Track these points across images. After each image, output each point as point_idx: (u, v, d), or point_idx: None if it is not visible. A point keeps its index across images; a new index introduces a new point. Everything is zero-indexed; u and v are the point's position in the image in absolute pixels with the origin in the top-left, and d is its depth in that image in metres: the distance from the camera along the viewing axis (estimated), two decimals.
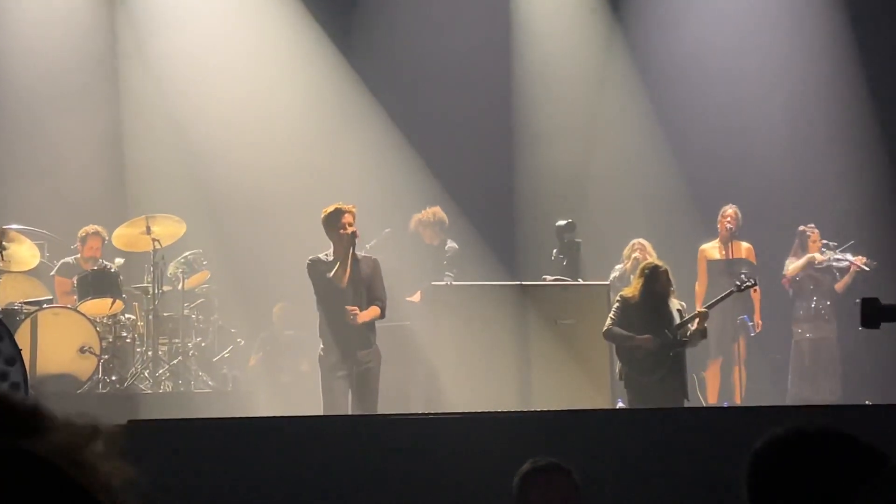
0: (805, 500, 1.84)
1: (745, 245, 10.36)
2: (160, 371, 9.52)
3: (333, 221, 8.03)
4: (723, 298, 8.65)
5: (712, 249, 10.37)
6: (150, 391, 9.31)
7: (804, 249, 10.45)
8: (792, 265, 10.43)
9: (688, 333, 8.16)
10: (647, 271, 8.16)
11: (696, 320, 8.18)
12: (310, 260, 8.16)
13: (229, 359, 10.20)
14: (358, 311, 7.98)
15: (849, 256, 10.34)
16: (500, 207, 11.64)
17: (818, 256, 10.31)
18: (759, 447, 1.95)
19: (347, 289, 8.01)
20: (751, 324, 10.17)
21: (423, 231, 10.08)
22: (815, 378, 10.28)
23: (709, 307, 8.51)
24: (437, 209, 10.16)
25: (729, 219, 10.22)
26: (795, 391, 10.31)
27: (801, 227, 10.51)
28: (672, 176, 11.67)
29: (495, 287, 9.39)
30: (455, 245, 9.88)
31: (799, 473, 1.88)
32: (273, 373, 10.59)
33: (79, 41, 11.25)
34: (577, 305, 9.07)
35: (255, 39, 11.59)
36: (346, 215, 8.01)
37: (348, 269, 8.01)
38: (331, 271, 8.02)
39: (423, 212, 10.15)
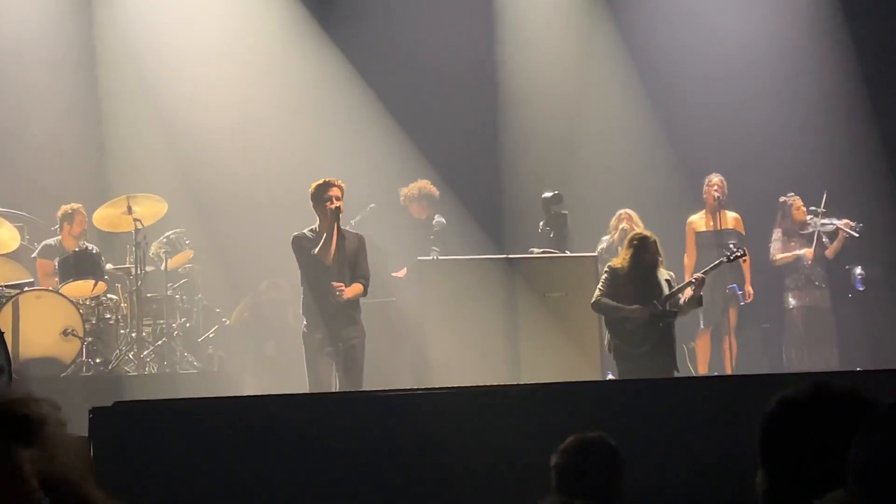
0: (818, 459, 1.81)
1: (732, 215, 10.30)
2: (145, 352, 9.42)
3: (319, 195, 7.96)
4: (713, 268, 8.60)
5: (700, 221, 10.31)
6: (135, 373, 9.22)
7: (788, 219, 10.40)
8: (780, 254, 10.37)
9: (680, 302, 8.11)
10: (635, 242, 8.10)
11: (691, 288, 8.13)
12: (294, 235, 8.10)
13: (214, 339, 10.11)
14: (343, 288, 7.91)
15: (835, 220, 10.30)
16: (486, 180, 11.56)
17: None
18: (772, 408, 1.92)
19: (332, 265, 7.93)
20: (740, 293, 10.12)
21: (409, 205, 10.01)
22: (809, 346, 10.25)
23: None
24: (425, 183, 10.07)
25: (715, 187, 10.16)
26: (790, 360, 10.29)
27: (782, 198, 10.46)
28: (659, 146, 11.60)
29: (482, 261, 9.32)
30: (443, 220, 9.79)
31: (812, 433, 1.85)
32: (257, 344, 10.50)
33: (56, 20, 11.10)
34: (565, 277, 9.01)
35: (235, 16, 11.45)
36: (333, 189, 7.94)
37: (333, 245, 7.93)
38: (315, 247, 7.94)
39: (410, 185, 10.07)
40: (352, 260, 8.06)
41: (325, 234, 7.94)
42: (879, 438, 1.17)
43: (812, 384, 1.94)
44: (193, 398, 6.74)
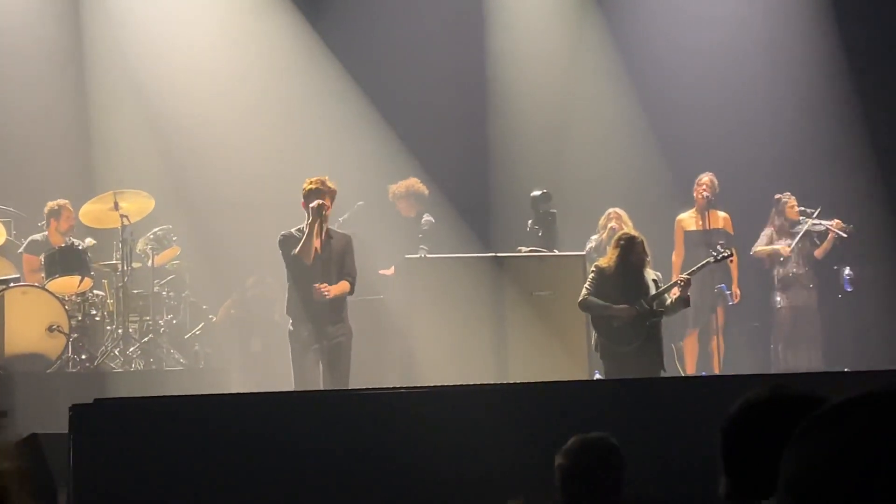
0: (777, 463, 1.78)
1: (722, 215, 10.29)
2: (131, 349, 9.38)
3: (312, 196, 7.89)
4: (699, 269, 8.58)
5: (689, 220, 10.30)
6: (120, 369, 9.18)
7: (781, 217, 10.41)
8: (759, 247, 10.39)
9: (667, 302, 8.09)
10: (622, 241, 8.07)
11: (678, 288, 8.11)
12: (282, 234, 8.07)
13: (201, 336, 10.06)
14: (328, 288, 7.87)
15: (824, 221, 10.30)
16: (475, 178, 11.52)
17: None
18: (734, 412, 1.91)
19: (316, 264, 7.90)
20: (728, 293, 10.12)
21: (398, 203, 9.97)
22: (796, 346, 10.25)
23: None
24: (413, 181, 10.03)
25: (704, 187, 10.16)
26: (778, 360, 10.29)
27: (777, 196, 10.48)
28: (649, 145, 11.58)
29: (470, 259, 9.29)
30: (431, 218, 9.75)
31: (770, 436, 1.83)
32: (243, 340, 10.47)
33: (45, 15, 11.04)
34: (553, 276, 8.98)
35: (224, 13, 11.40)
36: (324, 193, 7.88)
37: (314, 244, 7.89)
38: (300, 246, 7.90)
39: (398, 183, 10.04)
40: (338, 259, 8.02)
41: (307, 233, 7.90)
42: (810, 445, 1.13)
43: (770, 387, 1.93)
44: (173, 395, 6.70)
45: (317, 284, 7.86)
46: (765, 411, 1.90)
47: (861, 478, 1.05)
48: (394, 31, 11.54)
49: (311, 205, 7.87)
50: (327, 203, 7.92)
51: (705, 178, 10.21)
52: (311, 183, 7.96)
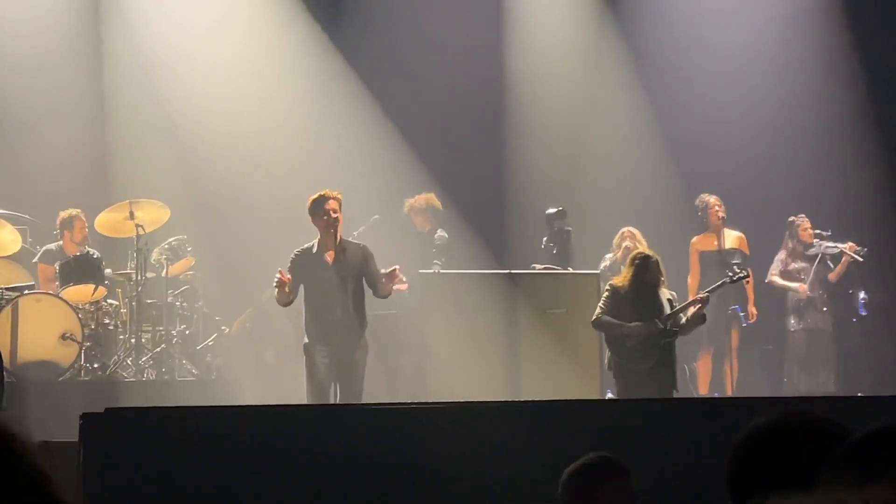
0: (785, 490, 1.76)
1: (736, 234, 10.28)
2: (143, 359, 9.39)
3: (316, 208, 7.89)
4: (715, 289, 8.55)
5: (703, 241, 10.28)
6: (132, 379, 9.19)
7: (794, 240, 10.38)
8: (775, 277, 10.34)
9: (683, 320, 8.06)
10: (637, 261, 8.06)
11: (696, 306, 8.09)
12: (293, 254, 8.01)
13: (213, 347, 10.06)
14: (398, 275, 7.83)
15: (839, 244, 10.25)
16: (490, 195, 11.52)
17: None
18: (742, 438, 1.89)
19: (331, 276, 7.86)
20: (743, 314, 10.09)
21: (414, 217, 9.98)
22: (810, 369, 10.20)
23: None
24: (430, 196, 10.03)
25: (717, 207, 10.15)
26: (791, 383, 10.24)
27: (791, 218, 10.44)
28: (663, 164, 11.56)
29: (484, 275, 9.28)
30: (445, 234, 9.75)
31: (778, 463, 1.80)
32: (258, 353, 10.46)
33: (62, 22, 11.09)
34: (567, 294, 8.97)
35: (242, 23, 11.45)
36: (330, 202, 7.88)
37: (327, 255, 7.88)
38: (314, 261, 7.88)
39: (415, 198, 10.04)
40: (357, 271, 7.96)
41: (323, 246, 7.89)
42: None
43: (779, 413, 1.91)
44: (185, 406, 6.69)
45: (396, 275, 7.81)
46: (772, 439, 1.87)
47: None
48: (411, 46, 11.55)
49: (324, 217, 7.85)
50: (334, 206, 7.89)
51: (712, 199, 10.22)
52: (314, 196, 7.97)
